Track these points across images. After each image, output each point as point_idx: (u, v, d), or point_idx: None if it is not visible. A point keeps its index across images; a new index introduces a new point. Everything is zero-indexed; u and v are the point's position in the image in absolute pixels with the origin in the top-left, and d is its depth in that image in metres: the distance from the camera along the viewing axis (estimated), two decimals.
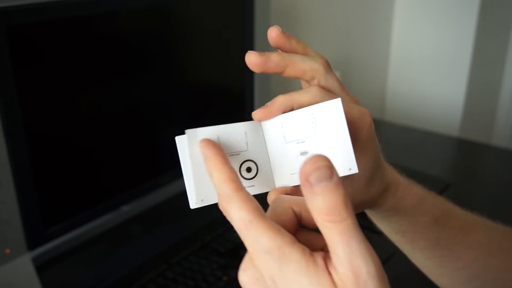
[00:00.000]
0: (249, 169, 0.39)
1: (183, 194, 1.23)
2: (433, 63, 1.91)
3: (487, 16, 1.79)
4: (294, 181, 0.39)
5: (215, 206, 1.09)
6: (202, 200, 0.38)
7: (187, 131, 0.37)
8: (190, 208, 0.38)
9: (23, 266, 0.77)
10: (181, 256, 0.88)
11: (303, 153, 0.38)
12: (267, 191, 0.40)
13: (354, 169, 0.36)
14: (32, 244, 0.78)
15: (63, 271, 0.89)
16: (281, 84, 1.51)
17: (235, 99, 1.10)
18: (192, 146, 0.38)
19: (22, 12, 0.69)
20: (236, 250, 0.90)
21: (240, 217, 0.32)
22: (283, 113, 0.38)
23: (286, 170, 0.39)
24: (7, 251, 0.74)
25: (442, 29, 1.84)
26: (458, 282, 0.51)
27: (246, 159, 0.39)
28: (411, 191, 0.47)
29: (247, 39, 1.07)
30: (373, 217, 0.49)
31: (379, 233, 0.99)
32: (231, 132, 0.38)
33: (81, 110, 0.82)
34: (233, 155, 0.38)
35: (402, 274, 0.86)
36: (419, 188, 0.48)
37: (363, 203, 0.44)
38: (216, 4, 0.99)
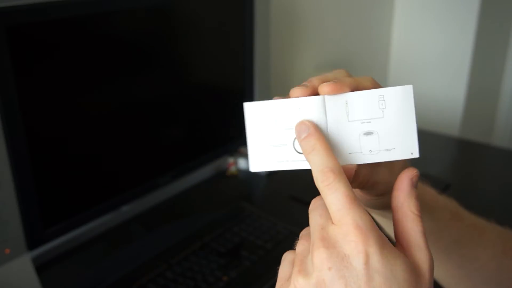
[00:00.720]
0: None
1: (183, 194, 1.23)
2: (433, 63, 1.91)
3: (487, 17, 1.79)
4: (352, 160, 0.39)
5: (215, 207, 1.08)
6: (261, 165, 0.40)
7: (250, 103, 0.39)
8: (251, 171, 0.40)
9: (23, 266, 0.77)
10: (181, 256, 0.88)
11: (367, 133, 0.38)
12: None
13: (416, 153, 0.38)
14: (32, 244, 0.78)
15: (63, 271, 0.89)
16: (281, 84, 1.51)
17: (235, 99, 1.10)
18: (257, 117, 0.39)
19: (22, 12, 0.69)
20: (236, 250, 0.90)
21: (347, 193, 0.33)
22: (349, 91, 0.39)
23: (344, 148, 0.39)
24: (7, 251, 0.74)
25: (442, 29, 1.84)
26: (475, 284, 0.51)
27: None
28: (426, 187, 0.49)
29: (247, 39, 1.07)
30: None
31: None
32: (286, 107, 0.39)
33: (81, 110, 0.82)
34: (288, 129, 0.39)
35: None
36: (430, 186, 0.50)
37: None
38: (216, 4, 0.99)
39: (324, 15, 1.62)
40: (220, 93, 1.08)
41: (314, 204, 0.36)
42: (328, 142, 0.39)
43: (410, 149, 0.38)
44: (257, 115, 0.39)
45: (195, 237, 0.94)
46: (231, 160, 1.19)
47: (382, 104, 0.38)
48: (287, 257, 0.38)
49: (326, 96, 0.38)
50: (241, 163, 1.22)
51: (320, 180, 0.34)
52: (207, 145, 1.07)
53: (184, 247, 0.91)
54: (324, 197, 0.34)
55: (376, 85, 0.40)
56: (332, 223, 0.33)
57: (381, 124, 0.38)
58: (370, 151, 0.38)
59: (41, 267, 0.86)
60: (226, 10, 1.02)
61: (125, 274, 0.85)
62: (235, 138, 1.12)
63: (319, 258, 0.32)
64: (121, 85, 0.86)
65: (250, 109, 0.39)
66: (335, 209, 0.33)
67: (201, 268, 0.86)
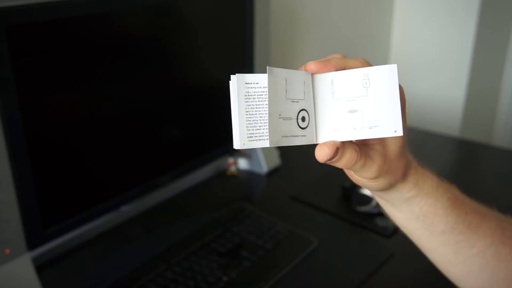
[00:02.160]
0: (303, 119, 0.40)
1: (183, 194, 1.23)
2: (433, 63, 1.91)
3: (487, 17, 1.79)
4: (336, 137, 0.40)
5: (215, 207, 1.08)
6: (249, 141, 0.38)
7: (263, 75, 0.38)
8: (234, 148, 0.38)
9: (23, 266, 0.77)
10: (181, 256, 0.88)
11: (351, 111, 0.39)
12: (311, 143, 0.40)
13: (400, 132, 0.38)
14: (32, 244, 0.78)
15: (63, 271, 0.89)
16: None
17: None
18: (245, 89, 0.38)
19: (22, 12, 0.69)
20: (236, 250, 0.90)
21: None
22: (336, 70, 0.40)
23: (329, 126, 0.40)
24: (7, 251, 0.74)
25: (442, 29, 1.84)
26: (471, 270, 0.52)
27: (302, 108, 0.39)
28: (428, 173, 0.50)
29: (247, 39, 1.07)
30: (395, 204, 0.51)
31: (380, 233, 0.99)
32: (295, 78, 0.39)
33: (81, 110, 0.82)
34: (294, 101, 0.39)
35: (402, 274, 0.86)
36: (433, 172, 0.51)
37: (395, 181, 0.46)
38: (216, 4, 0.99)
39: (324, 15, 1.62)
40: (220, 93, 1.08)
41: None
42: (315, 119, 0.40)
43: (394, 127, 0.38)
44: (245, 87, 0.38)
45: (195, 237, 0.94)
46: (231, 160, 1.19)
47: (366, 83, 0.39)
48: None
49: (314, 75, 0.40)
50: (241, 163, 1.22)
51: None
52: (207, 145, 1.07)
53: (184, 247, 0.91)
54: None
55: (367, 66, 0.40)
56: None
57: (365, 102, 0.39)
58: (354, 128, 0.39)
59: (41, 267, 0.86)
60: (226, 10, 1.02)
61: (125, 274, 0.85)
62: None
63: None
64: (121, 85, 0.86)
65: (240, 80, 0.38)
66: None
67: (201, 268, 0.86)
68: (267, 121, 0.37)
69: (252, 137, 0.38)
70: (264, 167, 1.19)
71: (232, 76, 0.37)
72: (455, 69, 1.85)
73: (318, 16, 1.59)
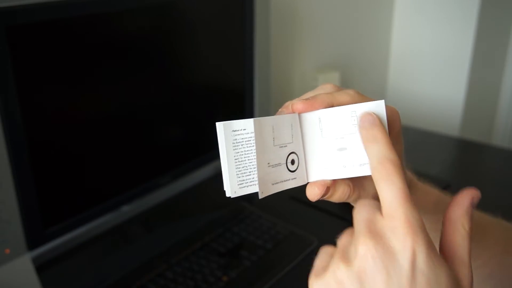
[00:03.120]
0: (293, 162, 0.39)
1: (183, 194, 1.23)
2: (433, 63, 1.91)
3: (487, 16, 1.79)
4: (327, 175, 0.39)
5: (215, 207, 1.08)
6: (240, 188, 0.38)
7: (249, 120, 0.37)
8: (227, 197, 0.38)
9: (23, 266, 0.77)
10: (181, 256, 0.88)
11: (341, 149, 0.39)
12: (302, 184, 0.40)
13: None
14: (32, 244, 0.78)
15: (63, 271, 0.89)
16: (281, 84, 1.51)
17: (235, 99, 1.10)
18: (233, 136, 0.38)
19: (22, 12, 0.69)
20: (236, 250, 0.90)
21: (403, 188, 0.33)
22: (323, 108, 0.39)
23: (320, 164, 0.40)
24: (7, 251, 0.74)
25: (442, 29, 1.84)
26: (476, 281, 0.52)
27: (291, 151, 0.39)
28: (429, 190, 0.49)
29: (247, 39, 1.07)
30: None
31: None
32: (282, 124, 0.39)
33: (81, 110, 0.82)
34: (282, 146, 0.39)
35: None
36: (434, 188, 0.50)
37: None
38: (216, 4, 0.99)
39: (324, 15, 1.62)
40: (220, 93, 1.08)
41: (362, 202, 0.35)
42: (305, 157, 0.40)
43: None
44: (233, 135, 0.37)
45: (195, 237, 0.94)
46: None
47: (354, 120, 0.38)
48: (325, 249, 0.37)
49: (301, 114, 0.39)
50: None
51: (378, 171, 0.34)
52: (207, 145, 1.07)
53: (184, 247, 0.91)
54: (379, 189, 0.34)
55: (358, 98, 0.39)
56: (381, 216, 0.33)
57: (354, 140, 0.38)
58: (344, 166, 0.39)
59: (41, 267, 0.86)
60: (226, 10, 1.02)
61: (125, 274, 0.85)
62: None
63: (364, 247, 0.32)
64: (121, 85, 0.86)
65: (227, 128, 0.37)
66: (388, 202, 0.33)
67: (201, 268, 0.86)
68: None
69: (242, 184, 0.38)
70: None
71: (218, 124, 0.37)
72: (455, 69, 1.85)
73: (318, 16, 1.59)
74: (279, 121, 0.38)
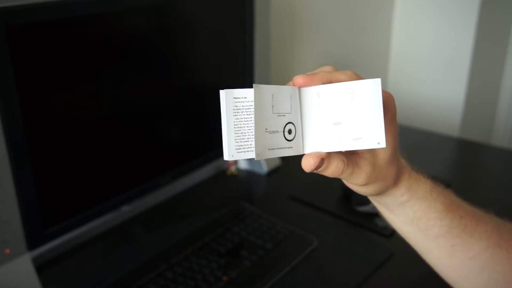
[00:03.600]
0: (290, 131, 0.41)
1: (183, 194, 1.23)
2: (433, 63, 1.91)
3: (487, 16, 1.79)
4: (322, 147, 0.41)
5: (215, 207, 1.07)
6: (237, 153, 0.40)
7: (250, 89, 0.40)
8: (224, 159, 0.40)
9: (23, 266, 0.77)
10: (181, 256, 0.88)
11: (336, 123, 0.41)
12: (298, 154, 0.42)
13: (382, 144, 0.40)
14: (32, 244, 0.78)
15: (63, 271, 0.89)
16: (281, 84, 1.51)
17: None
18: (234, 103, 0.40)
19: (22, 12, 0.69)
20: (236, 250, 0.90)
21: None
22: (322, 84, 0.41)
23: (316, 137, 0.42)
24: (7, 251, 0.74)
25: (442, 29, 1.84)
26: (468, 273, 0.52)
27: (288, 121, 0.41)
28: (422, 177, 0.50)
29: (247, 39, 1.07)
30: (389, 208, 0.51)
31: (380, 233, 0.99)
32: (282, 93, 0.41)
33: (81, 110, 0.82)
34: (280, 115, 0.40)
35: (402, 274, 0.87)
36: (427, 177, 0.51)
37: (386, 187, 0.47)
38: (216, 4, 0.99)
39: (324, 15, 1.62)
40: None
41: None
42: (302, 129, 0.42)
43: (376, 139, 0.40)
44: (234, 101, 0.40)
45: (195, 237, 0.94)
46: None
47: (351, 96, 0.40)
48: None
49: (301, 88, 0.42)
50: (241, 163, 1.22)
51: None
52: (207, 145, 1.07)
53: (184, 247, 0.91)
54: None
55: (355, 78, 0.41)
56: None
57: (349, 115, 0.40)
58: (339, 140, 0.41)
59: (41, 267, 0.86)
60: (226, 10, 1.02)
61: (125, 274, 0.85)
62: None
63: None
64: (120, 85, 0.86)
65: (228, 95, 0.40)
66: None
67: (201, 268, 0.86)
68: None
69: (240, 149, 0.39)
70: (264, 167, 1.19)
71: (220, 91, 0.39)
72: (455, 69, 1.85)
73: (318, 16, 1.59)
74: (279, 91, 0.40)
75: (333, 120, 0.41)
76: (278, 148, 0.40)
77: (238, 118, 0.39)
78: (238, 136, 0.39)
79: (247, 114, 0.40)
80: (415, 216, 0.50)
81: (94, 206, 0.87)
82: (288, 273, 0.85)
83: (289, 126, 0.41)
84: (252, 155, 0.39)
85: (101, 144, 0.86)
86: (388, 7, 1.92)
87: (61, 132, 0.79)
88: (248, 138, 0.39)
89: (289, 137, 0.41)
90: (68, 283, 0.86)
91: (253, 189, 1.18)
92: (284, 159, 1.24)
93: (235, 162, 1.20)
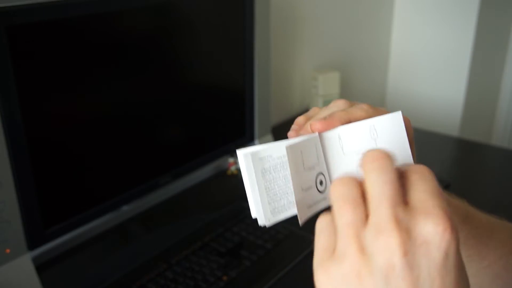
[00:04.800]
0: (321, 182, 0.39)
1: (183, 194, 1.22)
2: (433, 63, 1.91)
3: (487, 17, 1.79)
4: None
5: (215, 207, 1.07)
6: (273, 216, 0.37)
7: (273, 145, 0.37)
8: (260, 226, 0.37)
9: (23, 266, 0.77)
10: (181, 256, 0.88)
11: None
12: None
13: None
14: (32, 244, 0.78)
15: (63, 271, 0.89)
16: (281, 84, 1.51)
17: (235, 99, 1.10)
18: (260, 163, 0.37)
19: (22, 12, 0.69)
20: (236, 250, 0.90)
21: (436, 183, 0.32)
22: (341, 125, 0.39)
23: None
24: (7, 251, 0.74)
25: (442, 29, 1.84)
26: (482, 282, 0.52)
27: (318, 172, 0.39)
28: (457, 204, 0.49)
29: (247, 39, 1.07)
30: None
31: None
32: (308, 147, 0.38)
33: (82, 109, 0.82)
34: (310, 169, 0.38)
35: None
36: (461, 200, 0.50)
37: None
38: (216, 4, 0.99)
39: (324, 15, 1.62)
40: (220, 93, 1.08)
41: (386, 160, 0.31)
42: (330, 177, 0.39)
43: None
44: (261, 163, 0.37)
45: (195, 237, 0.94)
46: (231, 160, 1.19)
47: (373, 133, 0.38)
48: (326, 224, 0.33)
49: (321, 134, 0.39)
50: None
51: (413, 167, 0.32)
52: (207, 145, 1.07)
53: (184, 247, 0.91)
54: (412, 183, 0.31)
55: (372, 113, 0.39)
56: (405, 206, 0.30)
57: None
58: None
59: (41, 267, 0.86)
60: (226, 10, 1.02)
61: (125, 274, 0.85)
62: (235, 138, 1.12)
63: (392, 241, 0.28)
64: (121, 85, 0.86)
65: (254, 158, 0.36)
66: (420, 191, 0.30)
67: (201, 268, 0.86)
68: (287, 190, 0.37)
69: (275, 210, 0.37)
70: None
71: (243, 154, 0.36)
72: (455, 69, 1.85)
73: (318, 16, 1.59)
74: (305, 145, 0.38)
75: (359, 161, 0.39)
76: (315, 204, 0.38)
77: (267, 179, 0.37)
78: (271, 198, 0.37)
79: (275, 173, 0.37)
80: None
81: (94, 206, 0.87)
82: (288, 273, 0.85)
83: (320, 177, 0.39)
84: (288, 214, 0.37)
85: (101, 144, 0.86)
86: (388, 7, 1.92)
87: (61, 132, 0.79)
88: (280, 197, 0.37)
89: (321, 188, 0.39)
90: (68, 283, 0.86)
91: None
92: None
93: (235, 162, 1.20)
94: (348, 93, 1.77)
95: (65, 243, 0.92)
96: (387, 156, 0.31)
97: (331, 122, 0.39)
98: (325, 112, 0.41)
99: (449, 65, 1.86)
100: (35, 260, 0.83)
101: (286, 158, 0.36)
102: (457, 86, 1.86)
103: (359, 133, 0.39)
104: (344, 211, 0.31)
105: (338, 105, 0.41)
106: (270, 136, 1.21)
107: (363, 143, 0.38)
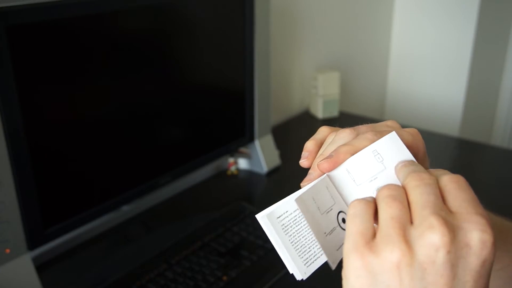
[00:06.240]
0: (343, 220, 0.39)
1: (183, 194, 1.22)
2: (433, 63, 1.91)
3: (487, 16, 1.79)
4: None
5: (215, 207, 1.08)
6: (308, 267, 0.38)
7: (286, 201, 0.38)
8: (298, 280, 0.38)
9: (23, 266, 0.77)
10: (181, 256, 0.88)
11: (378, 188, 0.38)
12: None
13: None
14: (32, 244, 0.78)
15: (63, 271, 0.89)
16: (281, 84, 1.51)
17: (235, 99, 1.10)
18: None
19: (22, 12, 0.69)
20: (236, 250, 0.90)
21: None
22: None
23: None
24: (7, 251, 0.74)
25: (442, 29, 1.84)
26: (495, 285, 0.52)
27: (338, 211, 0.39)
28: (491, 217, 0.49)
29: (247, 39, 1.07)
30: None
31: None
32: (319, 191, 0.38)
33: (82, 110, 0.82)
34: (328, 211, 0.39)
35: None
36: (494, 214, 0.51)
37: None
38: (216, 4, 0.99)
39: (324, 15, 1.62)
40: (220, 93, 1.08)
41: (428, 177, 0.34)
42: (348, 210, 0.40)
43: None
44: (279, 221, 0.38)
45: (195, 237, 0.94)
46: (231, 160, 1.19)
47: (378, 157, 0.39)
48: (362, 210, 0.34)
49: (329, 173, 0.39)
50: (241, 163, 1.22)
51: (450, 176, 0.34)
52: (207, 145, 1.07)
53: (184, 247, 0.91)
54: (450, 192, 0.33)
55: (376, 139, 0.40)
56: (448, 207, 0.32)
57: (386, 176, 0.39)
58: None
59: (41, 267, 0.86)
60: (226, 10, 1.02)
61: (125, 274, 0.85)
62: (235, 138, 1.12)
63: (439, 237, 0.30)
64: (121, 85, 0.86)
65: (271, 218, 0.37)
66: (461, 200, 0.32)
67: (201, 268, 0.86)
68: (314, 239, 0.37)
69: (308, 262, 0.38)
70: (264, 167, 1.19)
71: (260, 218, 0.37)
72: (455, 69, 1.85)
73: (318, 16, 1.59)
74: (316, 190, 0.38)
75: (374, 186, 0.39)
76: (342, 243, 0.38)
77: (291, 235, 0.37)
78: (300, 251, 0.38)
79: (296, 226, 0.38)
80: None
81: (94, 206, 0.87)
82: (288, 273, 0.85)
83: (341, 216, 0.39)
84: (321, 261, 0.38)
85: (102, 144, 0.86)
86: (388, 7, 1.92)
87: (61, 132, 0.79)
88: (309, 248, 0.38)
89: (344, 226, 0.39)
90: (68, 283, 0.86)
91: (253, 189, 1.18)
92: (283, 159, 1.24)
93: (235, 162, 1.20)
94: (348, 93, 1.77)
95: (65, 243, 0.92)
96: (428, 177, 0.33)
97: (337, 160, 0.39)
98: (330, 147, 0.41)
99: (449, 65, 1.86)
100: (35, 260, 0.84)
101: (314, 202, 0.37)
102: (457, 86, 1.86)
103: (365, 162, 0.39)
104: (392, 206, 0.33)
105: (343, 137, 0.41)
106: (270, 136, 1.21)
107: (372, 170, 0.39)
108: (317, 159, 0.41)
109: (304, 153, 0.42)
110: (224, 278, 0.84)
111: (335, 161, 0.39)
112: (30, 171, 0.75)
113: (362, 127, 0.42)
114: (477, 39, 1.78)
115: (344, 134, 0.41)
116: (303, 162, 0.42)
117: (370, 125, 0.43)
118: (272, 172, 1.20)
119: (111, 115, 0.86)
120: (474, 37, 1.77)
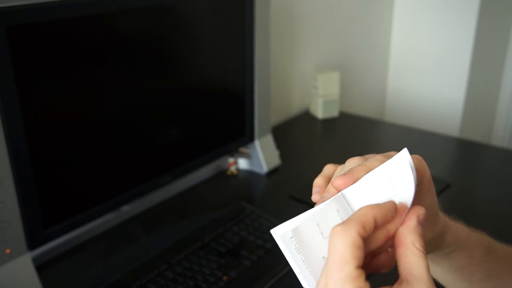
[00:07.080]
0: None
1: (183, 194, 1.23)
2: (433, 63, 1.91)
3: (487, 17, 1.79)
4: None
5: (215, 207, 1.08)
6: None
7: (287, 229, 0.39)
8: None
9: (23, 266, 0.77)
10: (181, 256, 0.88)
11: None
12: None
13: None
14: (32, 244, 0.78)
15: (63, 271, 0.89)
16: (281, 84, 1.51)
17: (235, 99, 1.10)
18: (298, 239, 0.39)
19: (22, 12, 0.69)
20: (236, 250, 0.90)
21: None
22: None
23: None
24: (7, 251, 0.74)
25: (442, 29, 1.84)
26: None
27: None
28: (460, 225, 0.51)
29: (247, 39, 1.07)
30: (434, 260, 0.52)
31: None
32: (327, 215, 0.39)
33: (82, 110, 0.82)
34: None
35: None
36: (461, 223, 0.52)
37: (432, 240, 0.47)
38: (216, 4, 0.99)
39: (324, 15, 1.62)
40: (220, 93, 1.08)
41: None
42: None
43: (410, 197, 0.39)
44: (292, 241, 0.39)
45: (195, 237, 0.94)
46: (231, 160, 1.19)
47: (390, 181, 0.39)
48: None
49: (342, 192, 0.40)
50: (241, 163, 1.22)
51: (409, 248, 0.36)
52: (207, 145, 1.07)
53: (184, 247, 0.91)
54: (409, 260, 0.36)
55: (386, 158, 0.40)
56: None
57: (397, 199, 0.39)
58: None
59: (41, 267, 0.86)
60: (226, 10, 1.02)
61: (125, 274, 0.85)
62: (235, 138, 1.12)
63: None
64: (121, 85, 0.86)
65: (285, 238, 0.39)
66: (417, 268, 0.35)
67: (201, 268, 0.86)
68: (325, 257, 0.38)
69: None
70: (264, 167, 1.19)
71: (275, 236, 0.38)
72: (455, 69, 1.85)
73: (318, 16, 1.59)
74: (323, 214, 0.38)
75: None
76: None
77: (301, 253, 0.39)
78: (311, 269, 0.39)
79: (308, 245, 0.39)
80: (459, 265, 0.51)
81: (94, 206, 0.87)
82: (288, 273, 0.85)
83: None
84: None
85: (102, 144, 0.86)
86: (388, 7, 1.92)
87: (61, 132, 0.79)
88: (320, 267, 0.38)
89: None
90: (68, 283, 0.86)
91: (253, 189, 1.19)
92: (283, 159, 1.24)
93: (235, 162, 1.20)
94: (348, 93, 1.77)
95: (65, 243, 0.92)
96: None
97: (352, 177, 0.39)
98: (343, 170, 0.42)
99: (449, 65, 1.86)
100: (35, 260, 0.84)
101: (318, 227, 0.38)
102: (457, 86, 1.86)
103: (378, 182, 0.39)
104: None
105: (353, 163, 0.42)
106: (270, 136, 1.21)
107: (384, 192, 0.39)
108: (332, 180, 0.41)
109: (315, 189, 0.43)
110: (224, 278, 0.84)
111: (351, 177, 0.39)
112: (30, 171, 0.75)
113: (370, 155, 0.43)
114: (477, 39, 1.79)
115: (354, 161, 0.42)
116: (315, 197, 0.42)
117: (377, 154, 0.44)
118: (272, 172, 1.20)
119: (111, 115, 0.86)
120: (474, 37, 1.77)
